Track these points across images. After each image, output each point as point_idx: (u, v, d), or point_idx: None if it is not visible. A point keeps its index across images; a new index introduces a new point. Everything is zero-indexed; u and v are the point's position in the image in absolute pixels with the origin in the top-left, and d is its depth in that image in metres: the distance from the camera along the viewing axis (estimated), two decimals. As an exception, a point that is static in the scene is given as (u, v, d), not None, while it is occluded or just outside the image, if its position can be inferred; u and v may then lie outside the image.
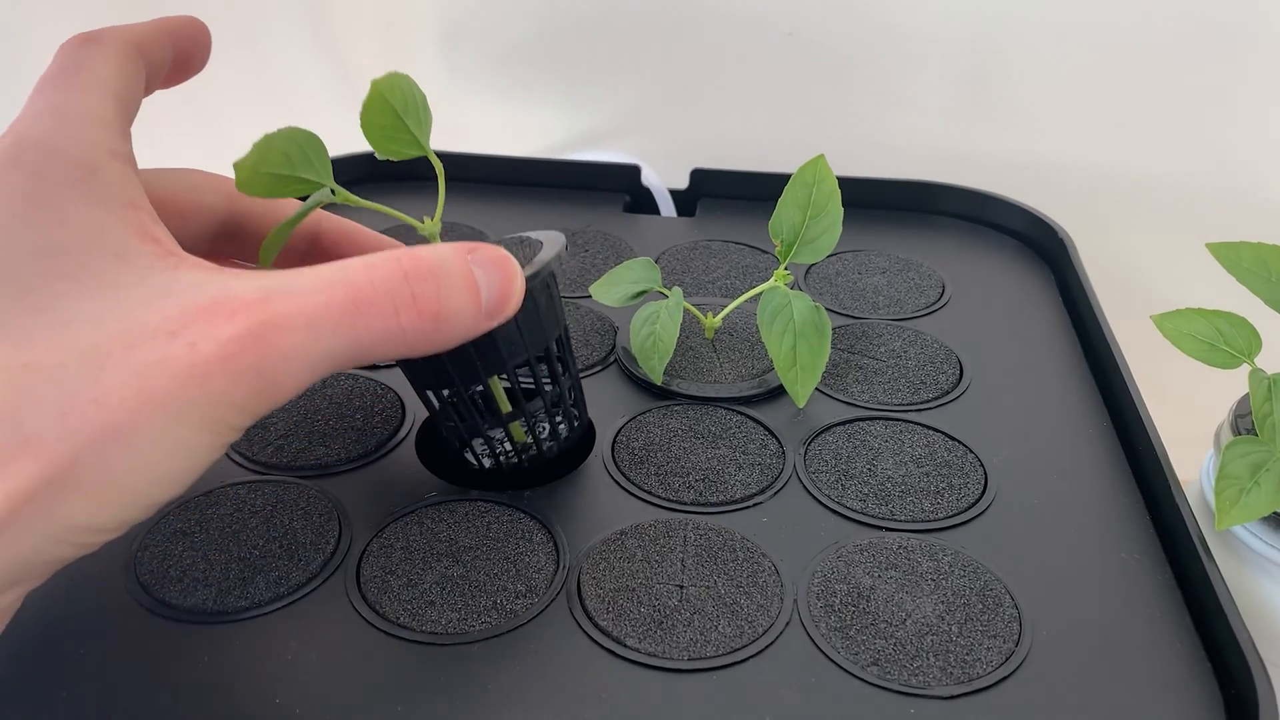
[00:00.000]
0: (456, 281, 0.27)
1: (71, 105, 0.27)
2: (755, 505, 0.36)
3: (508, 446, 0.36)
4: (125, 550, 0.34)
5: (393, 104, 0.32)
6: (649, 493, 0.37)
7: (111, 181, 0.26)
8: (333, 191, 0.31)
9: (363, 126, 0.33)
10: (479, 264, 0.27)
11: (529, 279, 0.32)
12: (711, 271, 0.51)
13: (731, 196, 0.59)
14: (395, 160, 0.34)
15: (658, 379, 0.41)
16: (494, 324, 0.28)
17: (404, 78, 0.32)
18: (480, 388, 0.34)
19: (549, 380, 0.35)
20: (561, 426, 0.36)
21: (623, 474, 0.37)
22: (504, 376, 0.34)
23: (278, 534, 0.35)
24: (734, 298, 0.48)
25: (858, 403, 0.42)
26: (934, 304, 0.50)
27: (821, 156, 0.43)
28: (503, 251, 0.28)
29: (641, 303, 0.43)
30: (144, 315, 0.24)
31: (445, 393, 0.35)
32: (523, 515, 0.35)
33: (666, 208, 0.58)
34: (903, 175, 0.58)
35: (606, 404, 0.41)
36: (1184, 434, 0.45)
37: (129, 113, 0.29)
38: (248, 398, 0.24)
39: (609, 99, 0.65)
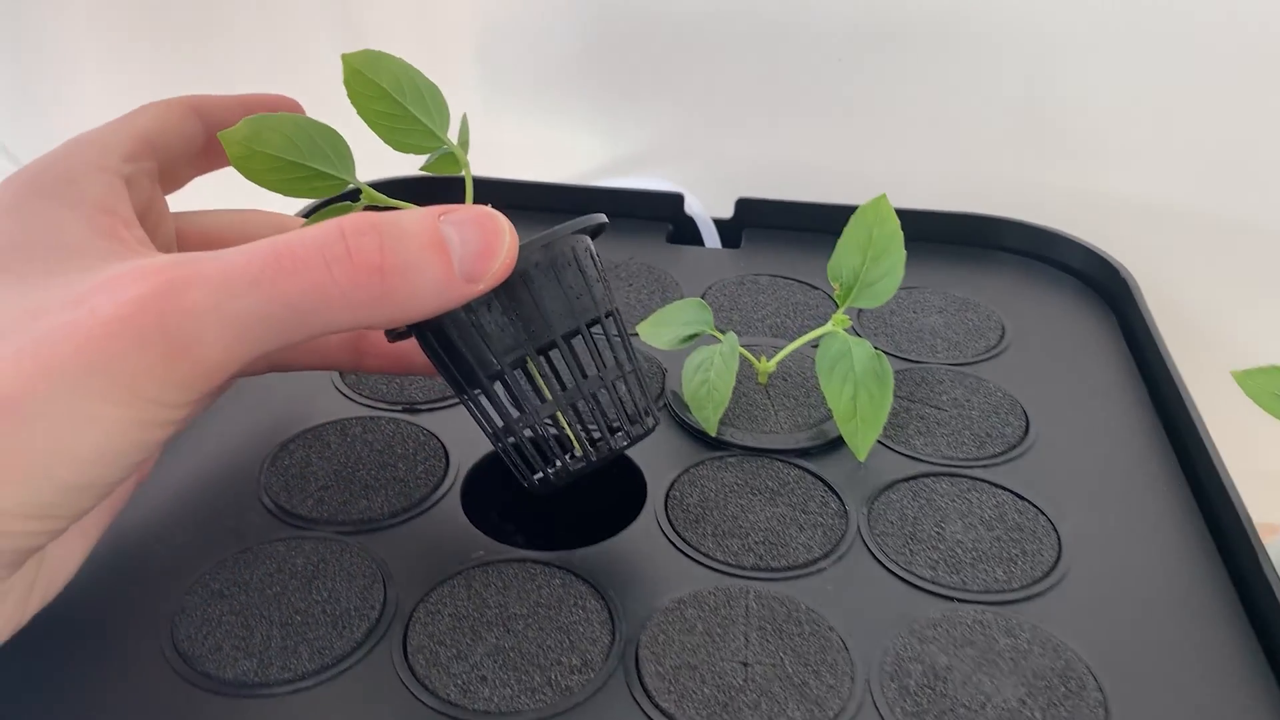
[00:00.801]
0: (409, 238, 0.25)
1: (86, 136, 0.29)
2: (819, 571, 0.35)
3: (557, 450, 0.32)
4: (162, 611, 0.32)
5: (378, 82, 0.30)
6: (706, 555, 0.35)
7: (87, 189, 0.27)
8: (358, 193, 0.30)
9: (356, 110, 0.30)
10: (454, 222, 0.25)
11: (539, 247, 0.29)
12: (760, 308, 0.50)
13: (778, 227, 0.57)
14: (432, 174, 0.32)
15: (712, 430, 0.39)
16: (477, 287, 0.26)
17: (388, 57, 0.30)
18: (506, 377, 0.30)
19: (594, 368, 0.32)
20: (618, 428, 0.32)
21: (677, 533, 0.36)
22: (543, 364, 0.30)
23: (320, 597, 0.33)
24: (784, 337, 0.47)
25: (921, 456, 0.40)
26: (994, 348, 0.48)
27: (883, 196, 0.41)
28: (487, 210, 0.26)
29: (693, 346, 0.42)
30: (62, 293, 0.23)
31: (478, 392, 0.31)
32: (574, 578, 0.34)
33: (711, 238, 0.57)
34: (957, 208, 0.56)
35: (656, 453, 0.39)
36: (1250, 471, 0.42)
37: (147, 144, 0.30)
38: (155, 362, 0.23)
39: (650, 122, 0.63)
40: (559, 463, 0.32)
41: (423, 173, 0.33)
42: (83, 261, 0.25)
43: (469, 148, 0.32)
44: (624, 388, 0.33)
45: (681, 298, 0.50)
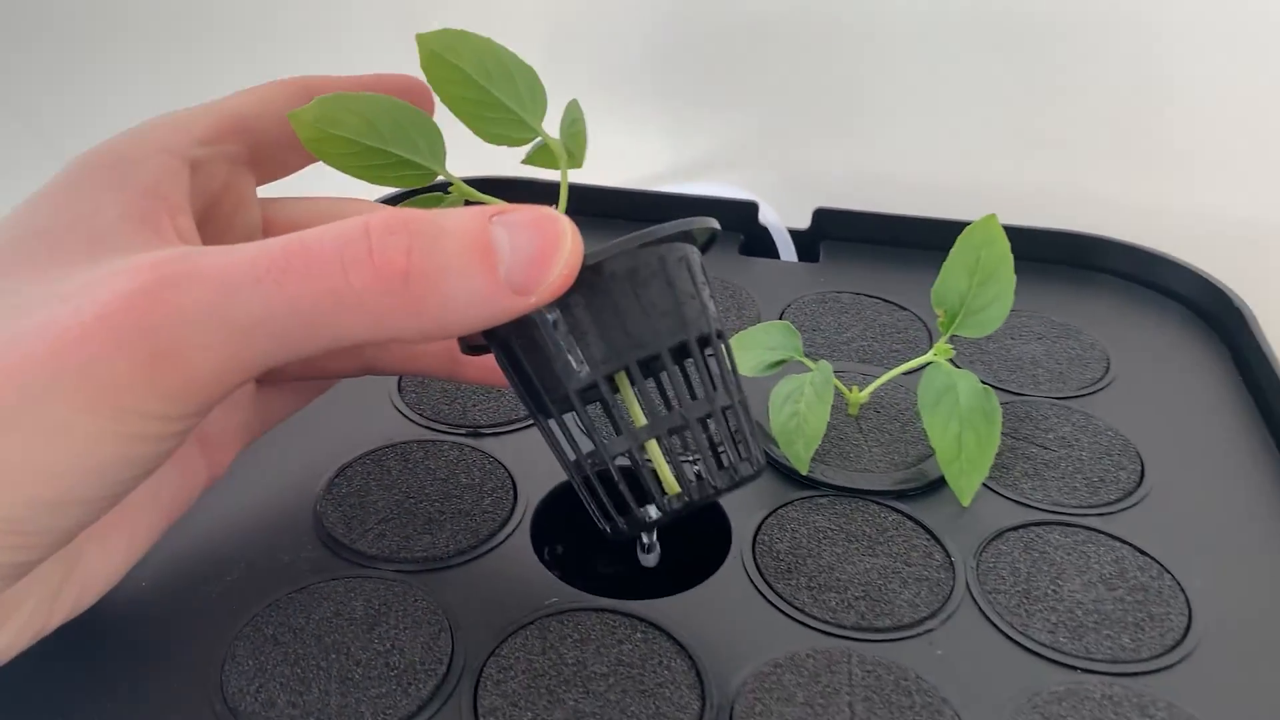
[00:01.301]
0: (447, 239, 0.22)
1: (167, 116, 0.27)
2: (926, 632, 0.32)
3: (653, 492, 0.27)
4: (211, 657, 0.30)
5: (459, 65, 0.27)
6: (802, 611, 0.33)
7: (140, 170, 0.25)
8: (448, 187, 0.28)
9: (438, 96, 0.28)
10: (506, 224, 0.23)
11: (614, 255, 0.25)
12: (844, 330, 0.47)
13: (859, 240, 0.54)
14: (532, 164, 0.30)
15: (803, 468, 0.37)
16: (529, 300, 0.23)
17: (470, 36, 0.27)
18: (576, 405, 0.26)
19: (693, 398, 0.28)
20: (719, 462, 0.28)
21: (768, 584, 0.34)
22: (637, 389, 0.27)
23: (382, 648, 0.31)
24: (872, 362, 0.45)
25: (1030, 502, 0.37)
26: (1099, 380, 0.45)
27: (992, 217, 0.38)
28: (547, 211, 0.23)
29: (781, 374, 0.39)
30: (65, 286, 0.22)
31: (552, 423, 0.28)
32: (656, 632, 0.31)
33: (786, 250, 0.54)
34: (1055, 225, 0.52)
35: (740, 491, 0.35)
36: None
37: (237, 126, 0.28)
38: (136, 369, 0.21)
39: (722, 125, 0.60)
40: (646, 509, 0.28)
41: (529, 169, 0.31)
42: (104, 250, 0.23)
43: (584, 142, 0.29)
44: (722, 422, 0.28)
45: (758, 315, 0.48)
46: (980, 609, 0.33)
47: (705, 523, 0.37)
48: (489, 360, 0.33)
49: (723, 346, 0.27)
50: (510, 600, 0.32)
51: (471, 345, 0.29)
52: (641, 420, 0.27)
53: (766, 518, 0.36)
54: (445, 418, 0.40)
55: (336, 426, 0.39)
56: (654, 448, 0.27)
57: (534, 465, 0.37)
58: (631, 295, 0.25)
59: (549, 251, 0.23)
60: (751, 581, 0.33)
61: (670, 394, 0.30)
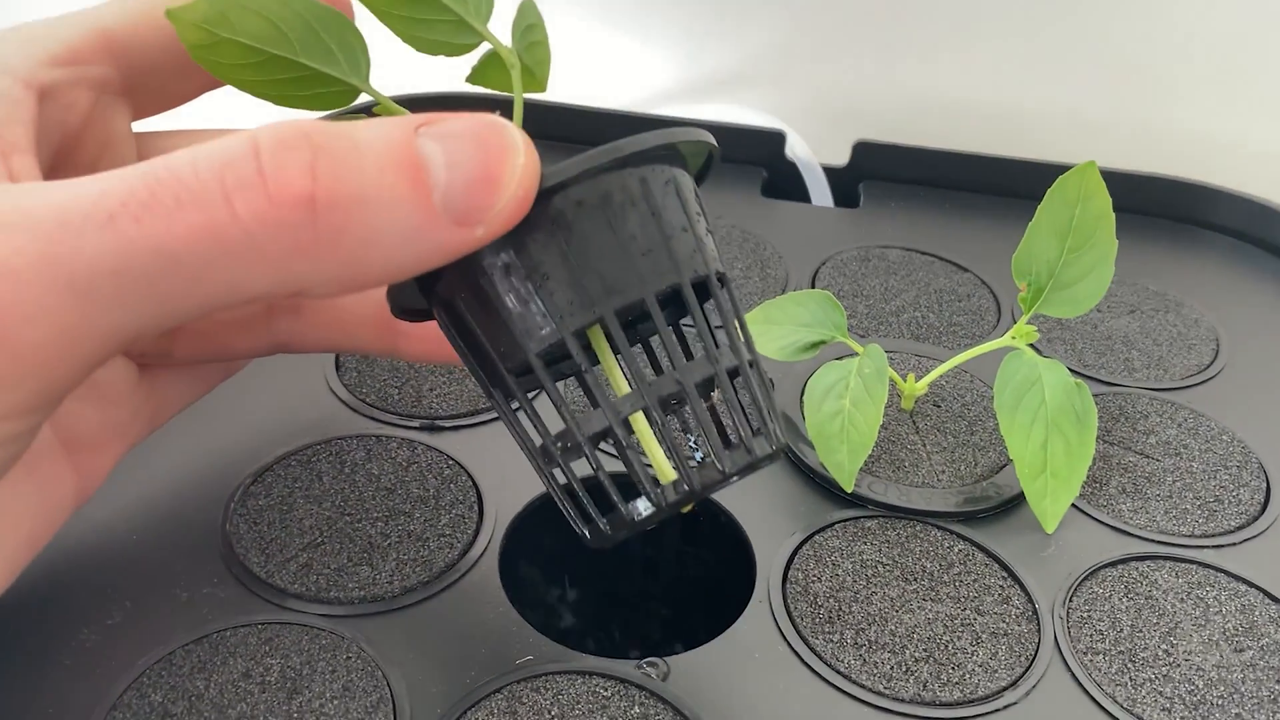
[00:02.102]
0: (363, 155, 0.20)
1: (6, 30, 0.26)
2: (1006, 708, 0.29)
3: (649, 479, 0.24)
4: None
5: None
6: (847, 678, 0.30)
7: None
8: (373, 108, 0.25)
9: None
10: (439, 135, 0.21)
11: (579, 173, 0.22)
12: (892, 297, 0.44)
13: (909, 180, 0.51)
14: (480, 84, 0.27)
15: (847, 484, 0.34)
16: (474, 234, 0.21)
17: None
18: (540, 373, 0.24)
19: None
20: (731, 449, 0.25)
21: (803, 639, 0.31)
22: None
23: None
24: (930, 340, 0.42)
25: (1130, 529, 0.35)
26: (1208, 367, 0.42)
27: (1091, 165, 0.35)
28: (489, 119, 0.21)
29: (818, 360, 0.36)
30: None
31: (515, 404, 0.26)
32: (659, 706, 0.28)
33: (819, 192, 0.51)
34: (1152, 170, 0.49)
35: (766, 507, 0.34)
36: None
37: (103, 44, 0.26)
38: None
39: (740, 35, 0.56)
40: (634, 505, 0.25)
41: (473, 89, 0.28)
42: None
43: (548, 55, 0.26)
44: (728, 389, 0.25)
45: (785, 276, 0.45)
46: (1073, 675, 0.30)
47: (721, 553, 0.34)
48: (437, 329, 0.30)
49: (726, 293, 0.25)
50: (472, 657, 0.30)
51: (405, 307, 0.26)
52: (624, 389, 0.25)
53: (800, 546, 0.33)
54: (394, 405, 0.37)
55: (252, 417, 0.37)
56: (641, 424, 0.25)
57: (506, 470, 0.35)
58: (605, 226, 0.23)
59: (495, 169, 0.21)
60: (782, 634, 0.31)
61: (663, 359, 0.26)
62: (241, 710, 0.28)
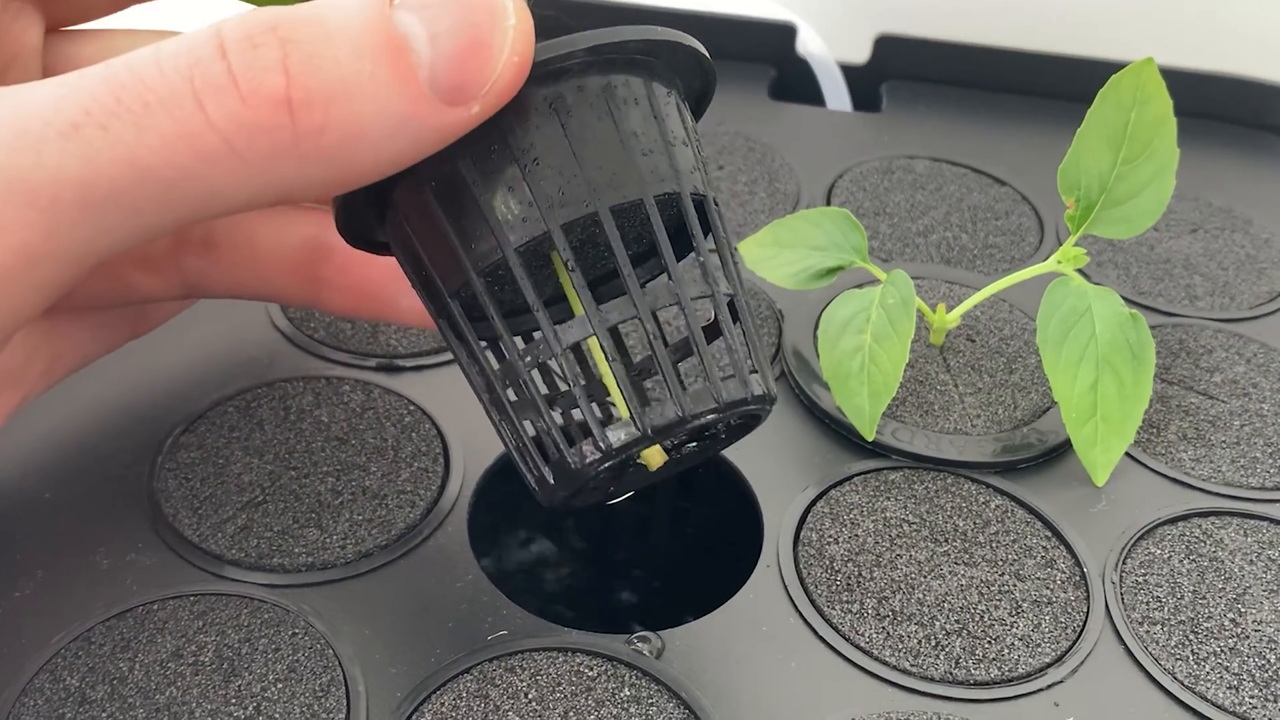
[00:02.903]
0: (336, 40, 0.21)
1: None
2: (1049, 688, 0.29)
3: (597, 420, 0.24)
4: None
5: None
6: (867, 653, 0.30)
7: None
8: None
9: None
10: (415, 5, 0.21)
11: (581, 51, 0.23)
12: (920, 215, 0.44)
13: (938, 80, 0.51)
14: None
15: (868, 431, 0.34)
16: (469, 112, 0.22)
17: None
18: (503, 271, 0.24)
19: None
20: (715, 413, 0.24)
21: (817, 609, 0.30)
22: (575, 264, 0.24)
23: (243, 713, 0.27)
24: (960, 264, 0.42)
25: (1191, 480, 0.34)
26: None
27: (1148, 63, 0.35)
28: None
29: (834, 288, 0.36)
30: None
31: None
32: (653, 688, 0.28)
33: (835, 94, 0.51)
34: (1212, 66, 0.48)
35: (774, 457, 0.34)
36: None
37: None
38: None
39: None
40: (579, 449, 0.24)
41: None
42: None
43: None
44: (716, 332, 0.25)
45: (796, 191, 0.45)
46: (1127, 649, 0.30)
47: (723, 510, 0.34)
48: (365, 279, 0.31)
49: (718, 216, 0.25)
50: (438, 633, 0.30)
51: (352, 227, 0.26)
52: (580, 310, 0.24)
53: (814, 503, 0.33)
54: (346, 342, 0.37)
55: (182, 357, 0.36)
56: (597, 351, 0.25)
57: (476, 417, 0.34)
58: (607, 116, 0.23)
59: (484, 34, 0.21)
60: (793, 604, 0.31)
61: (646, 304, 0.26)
62: (171, 695, 0.27)
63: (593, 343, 0.25)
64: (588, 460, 0.24)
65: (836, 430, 0.35)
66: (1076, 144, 0.34)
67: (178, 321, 0.36)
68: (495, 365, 0.25)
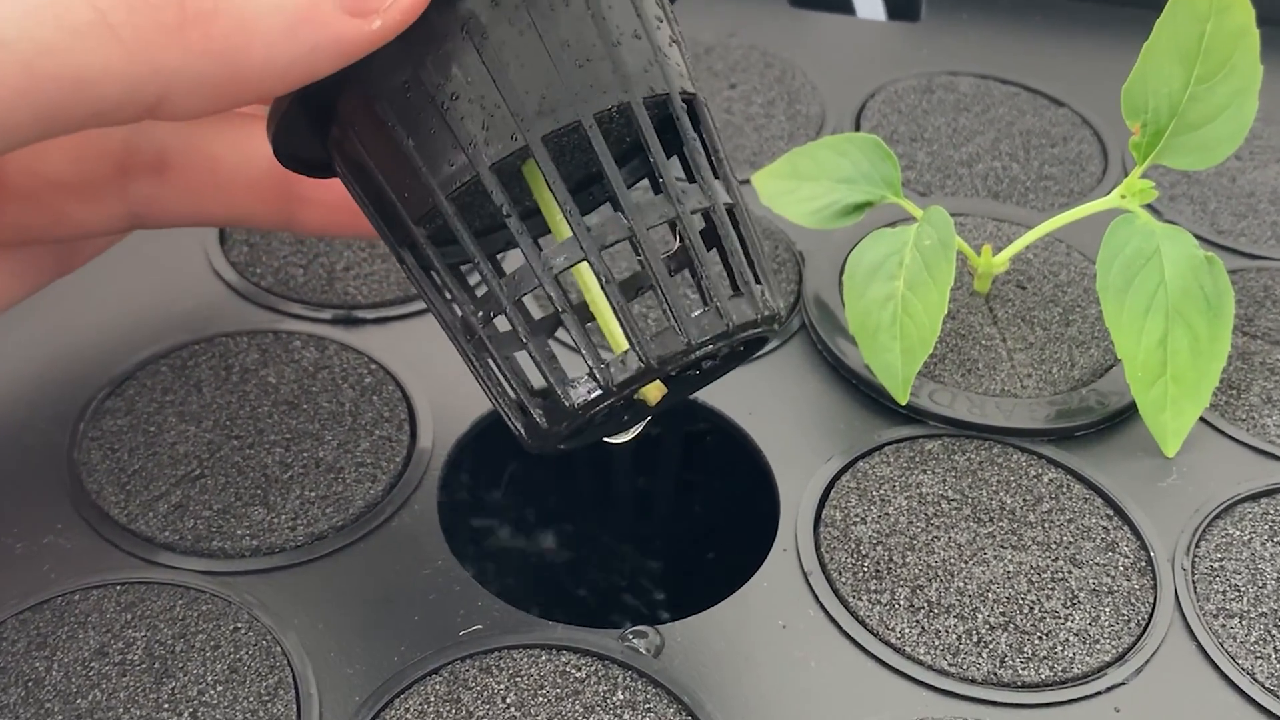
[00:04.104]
0: None
1: None
2: (1110, 690, 0.29)
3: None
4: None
5: None
6: (899, 650, 0.30)
7: None
8: None
9: None
10: None
11: None
12: (964, 142, 0.45)
13: None
14: None
15: (902, 394, 0.34)
16: (369, 28, 0.23)
17: None
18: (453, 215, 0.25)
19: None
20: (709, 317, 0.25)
21: (840, 599, 0.31)
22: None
23: (178, 714, 0.28)
24: (1011, 200, 0.43)
25: (1276, 449, 0.35)
26: None
27: None
28: None
29: (863, 227, 0.37)
30: None
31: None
32: (651, 690, 0.29)
33: (868, 1, 0.51)
34: None
35: (792, 423, 0.35)
36: None
37: None
38: None
39: None
40: (573, 385, 0.25)
41: None
42: None
43: None
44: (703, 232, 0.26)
45: (820, 114, 0.45)
46: (1199, 646, 0.30)
47: (733, 484, 0.35)
48: (345, 196, 0.31)
49: (700, 115, 0.26)
50: (402, 627, 0.30)
51: (297, 155, 0.27)
52: (566, 232, 0.26)
53: (838, 477, 0.34)
54: (298, 290, 0.38)
55: (108, 307, 0.37)
56: (588, 278, 0.26)
57: (448, 376, 0.35)
58: (529, 29, 0.24)
59: None
60: (813, 593, 0.31)
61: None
62: (94, 699, 0.28)
63: (580, 267, 0.26)
64: (588, 398, 0.24)
65: (864, 392, 0.35)
66: (1143, 60, 0.34)
67: (102, 267, 0.36)
68: (471, 298, 0.25)
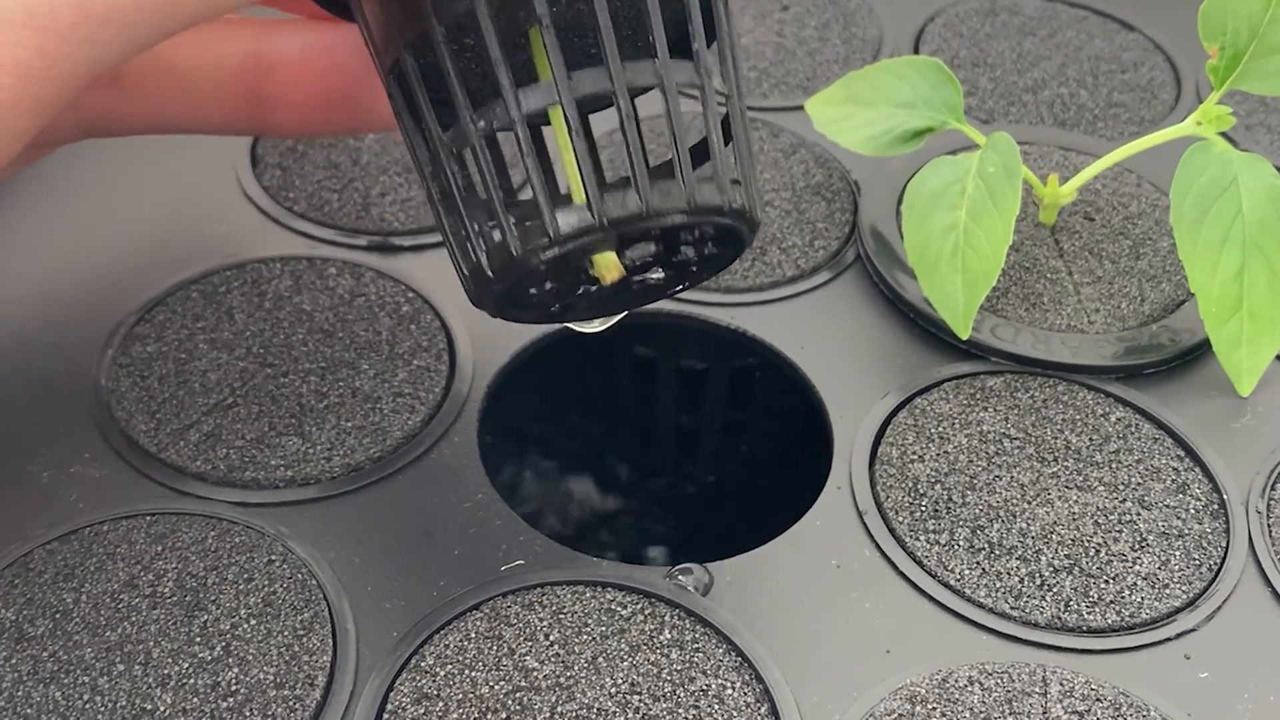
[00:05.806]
0: None
1: None
2: (1180, 636, 0.29)
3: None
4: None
5: None
6: (958, 593, 0.30)
7: None
8: None
9: None
10: None
11: None
12: (1029, 68, 0.45)
13: None
14: None
15: (963, 328, 0.34)
16: None
17: None
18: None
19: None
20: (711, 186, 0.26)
21: (897, 539, 0.31)
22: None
23: (209, 654, 0.28)
24: (1078, 128, 0.43)
25: None
26: None
27: None
28: None
29: (923, 155, 0.37)
30: None
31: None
32: (700, 630, 0.29)
33: None
34: None
35: (846, 359, 0.35)
36: None
37: None
38: None
39: None
40: (538, 232, 0.25)
41: None
42: None
43: None
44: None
45: (878, 37, 0.46)
46: (1275, 593, 0.30)
47: (784, 421, 0.35)
48: (328, 84, 0.31)
49: (724, 7, 0.26)
50: (442, 562, 0.30)
51: None
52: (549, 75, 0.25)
53: (895, 413, 0.34)
54: (333, 216, 0.38)
55: (137, 231, 0.37)
56: (558, 120, 0.26)
57: None
58: None
59: None
60: (869, 533, 0.31)
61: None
62: (124, 632, 0.28)
63: (556, 120, 0.26)
64: (531, 245, 0.24)
65: (923, 326, 0.35)
66: (1220, -21, 0.34)
67: (130, 189, 0.36)
68: (443, 134, 0.26)
